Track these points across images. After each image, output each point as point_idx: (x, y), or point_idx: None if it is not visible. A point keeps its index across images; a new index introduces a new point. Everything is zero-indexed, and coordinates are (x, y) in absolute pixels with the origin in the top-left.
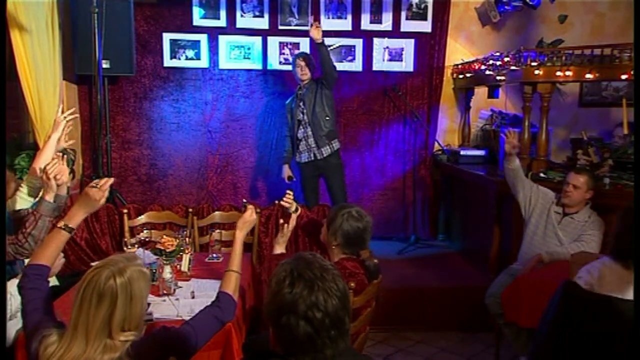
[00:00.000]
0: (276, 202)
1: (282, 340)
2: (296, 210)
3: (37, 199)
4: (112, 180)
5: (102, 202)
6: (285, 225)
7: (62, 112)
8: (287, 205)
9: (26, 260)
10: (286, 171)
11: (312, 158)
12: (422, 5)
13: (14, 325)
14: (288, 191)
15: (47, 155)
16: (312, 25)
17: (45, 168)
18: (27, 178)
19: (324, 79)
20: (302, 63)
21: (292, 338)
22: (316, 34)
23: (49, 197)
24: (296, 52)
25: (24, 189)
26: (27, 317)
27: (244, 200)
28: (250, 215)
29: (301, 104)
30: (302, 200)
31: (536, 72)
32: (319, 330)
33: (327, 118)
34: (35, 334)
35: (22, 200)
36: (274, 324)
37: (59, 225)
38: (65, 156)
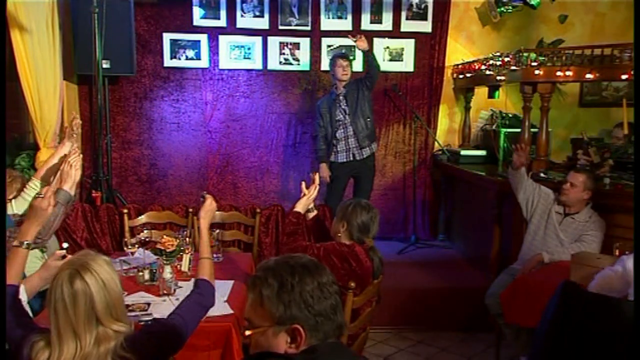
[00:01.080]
0: (305, 181)
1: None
2: (312, 209)
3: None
4: (54, 188)
5: (50, 210)
6: (312, 187)
7: (70, 124)
8: (315, 183)
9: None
10: (325, 170)
11: (351, 158)
12: (422, 6)
13: None
14: (315, 178)
15: (55, 161)
16: (356, 39)
17: (67, 159)
18: (34, 179)
19: (367, 80)
20: (345, 63)
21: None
22: (363, 45)
23: (67, 186)
24: (339, 49)
25: (36, 187)
26: (11, 332)
27: (204, 192)
28: (210, 204)
29: (342, 104)
30: (322, 199)
31: (536, 72)
32: None
33: (369, 119)
34: (23, 344)
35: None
36: None
37: (14, 244)
38: (80, 154)
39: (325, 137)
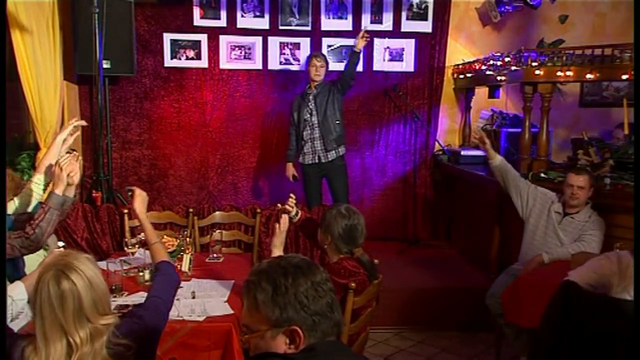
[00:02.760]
0: (279, 205)
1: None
2: (297, 214)
3: (43, 197)
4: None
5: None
6: (277, 225)
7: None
8: (289, 209)
9: (27, 260)
10: (290, 170)
11: (317, 161)
12: (423, 6)
13: (14, 326)
14: (291, 195)
15: (52, 154)
16: (362, 36)
17: (58, 161)
18: (37, 177)
19: (340, 83)
20: (318, 63)
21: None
22: (361, 44)
23: (59, 190)
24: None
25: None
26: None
27: (128, 187)
28: (139, 194)
29: (310, 104)
30: (303, 201)
31: (537, 72)
32: None
33: (338, 122)
34: (12, 350)
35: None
36: None
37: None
38: (79, 156)
39: (295, 136)
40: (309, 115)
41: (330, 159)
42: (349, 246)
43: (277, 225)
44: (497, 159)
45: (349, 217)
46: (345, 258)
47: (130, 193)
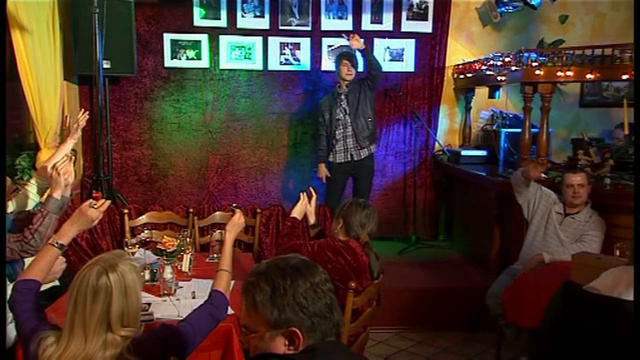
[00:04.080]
0: (304, 191)
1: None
2: (317, 225)
3: (42, 198)
4: (109, 202)
5: (96, 223)
6: (302, 194)
7: (76, 121)
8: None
9: (27, 261)
10: (323, 170)
11: (349, 159)
12: (423, 6)
13: (15, 328)
14: (313, 193)
15: (58, 158)
16: (349, 38)
17: (55, 165)
18: (35, 177)
19: (369, 79)
20: (349, 63)
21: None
22: (357, 44)
23: (57, 194)
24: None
25: (32, 188)
26: (22, 326)
27: (233, 204)
28: (238, 219)
29: (343, 103)
30: (323, 200)
31: (537, 72)
32: None
33: (370, 119)
34: (32, 337)
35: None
36: None
37: (50, 242)
38: (72, 157)
39: (326, 137)
40: (342, 115)
41: (362, 157)
42: (357, 231)
43: (303, 194)
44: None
45: (364, 207)
46: (351, 240)
47: (232, 212)
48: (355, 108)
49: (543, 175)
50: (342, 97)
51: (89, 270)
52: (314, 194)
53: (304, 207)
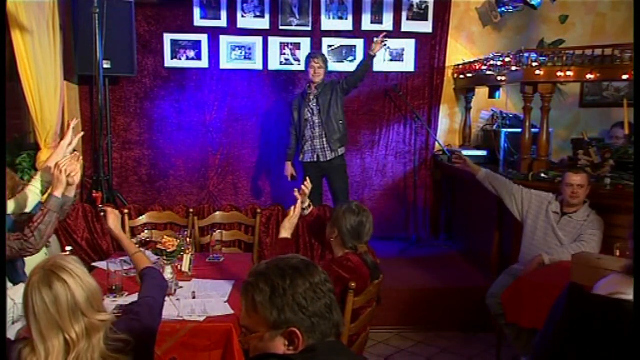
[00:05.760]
0: (296, 189)
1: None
2: (308, 207)
3: (43, 198)
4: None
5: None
6: (292, 208)
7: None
8: (306, 190)
9: (27, 262)
10: (289, 169)
11: (315, 159)
12: (423, 6)
13: (15, 327)
14: (307, 180)
15: (56, 158)
16: (376, 41)
17: (58, 163)
18: (41, 175)
19: (346, 83)
20: (317, 65)
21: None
22: (378, 49)
23: (58, 193)
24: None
25: (36, 186)
26: None
27: (101, 206)
28: (112, 212)
29: (312, 104)
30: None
31: (537, 72)
32: None
33: (341, 122)
34: (10, 355)
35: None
36: None
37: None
38: (80, 157)
39: (295, 135)
40: (310, 115)
41: (329, 159)
42: (354, 241)
43: (292, 209)
44: (482, 173)
45: (358, 213)
46: (350, 253)
47: (103, 214)
48: (326, 110)
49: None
50: (312, 97)
51: (35, 286)
52: (306, 188)
53: (295, 220)
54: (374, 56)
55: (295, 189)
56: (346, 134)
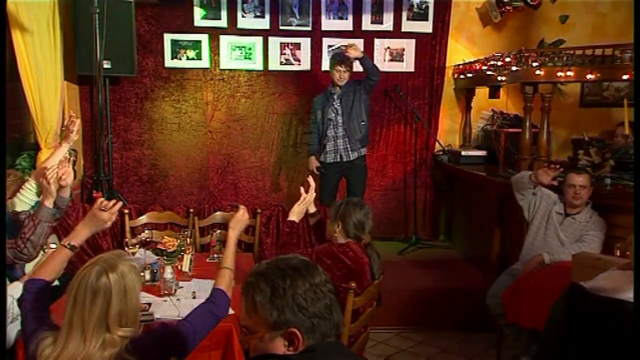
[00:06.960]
0: (309, 177)
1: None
2: (316, 214)
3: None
4: (120, 204)
5: (109, 224)
6: (304, 194)
7: (68, 126)
8: (311, 183)
9: (27, 265)
10: (313, 162)
11: (338, 160)
12: (423, 6)
13: (15, 327)
14: (311, 182)
15: (54, 161)
16: (346, 49)
17: (45, 174)
18: (35, 176)
19: (367, 83)
20: (342, 69)
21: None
22: (355, 53)
23: (48, 203)
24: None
25: (32, 188)
26: (26, 326)
27: (236, 203)
28: (242, 215)
29: (335, 104)
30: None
31: (537, 72)
32: None
33: (363, 122)
34: (31, 339)
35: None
36: None
37: (62, 243)
38: (71, 158)
39: (318, 134)
40: (333, 115)
41: (352, 159)
42: (357, 232)
43: (302, 194)
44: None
45: (361, 207)
46: (352, 242)
47: (235, 209)
48: (349, 110)
49: (553, 181)
50: (335, 97)
51: (89, 270)
52: (312, 183)
53: (303, 208)
54: (363, 57)
55: (309, 178)
56: (367, 134)
